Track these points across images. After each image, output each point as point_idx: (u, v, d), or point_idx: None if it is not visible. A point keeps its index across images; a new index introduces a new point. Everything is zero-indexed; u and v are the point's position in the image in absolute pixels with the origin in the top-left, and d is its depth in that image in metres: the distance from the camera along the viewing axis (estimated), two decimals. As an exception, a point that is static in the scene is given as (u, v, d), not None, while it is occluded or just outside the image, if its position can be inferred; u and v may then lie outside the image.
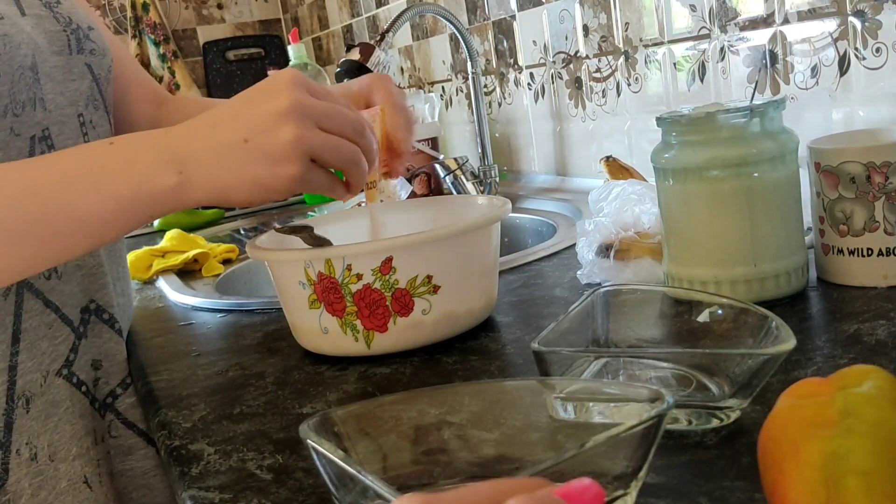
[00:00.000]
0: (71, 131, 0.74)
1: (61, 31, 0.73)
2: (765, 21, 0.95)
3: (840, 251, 0.69)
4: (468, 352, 0.70)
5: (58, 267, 0.73)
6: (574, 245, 0.87)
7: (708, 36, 1.03)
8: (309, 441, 0.40)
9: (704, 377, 0.50)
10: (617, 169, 0.98)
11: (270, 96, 0.56)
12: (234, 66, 2.70)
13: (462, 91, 1.72)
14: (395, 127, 0.73)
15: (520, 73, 1.49)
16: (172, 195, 0.56)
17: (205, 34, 2.72)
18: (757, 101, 0.67)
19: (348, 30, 2.27)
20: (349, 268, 0.67)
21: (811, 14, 0.89)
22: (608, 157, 1.00)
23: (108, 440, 0.79)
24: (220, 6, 2.75)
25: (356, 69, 1.23)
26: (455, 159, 1.38)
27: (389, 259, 0.67)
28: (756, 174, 0.65)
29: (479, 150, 1.44)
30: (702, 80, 1.06)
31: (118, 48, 0.91)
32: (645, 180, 0.94)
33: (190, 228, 1.49)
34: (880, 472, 0.33)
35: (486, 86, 1.62)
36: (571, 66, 1.33)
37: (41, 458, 0.71)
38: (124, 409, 0.80)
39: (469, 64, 1.41)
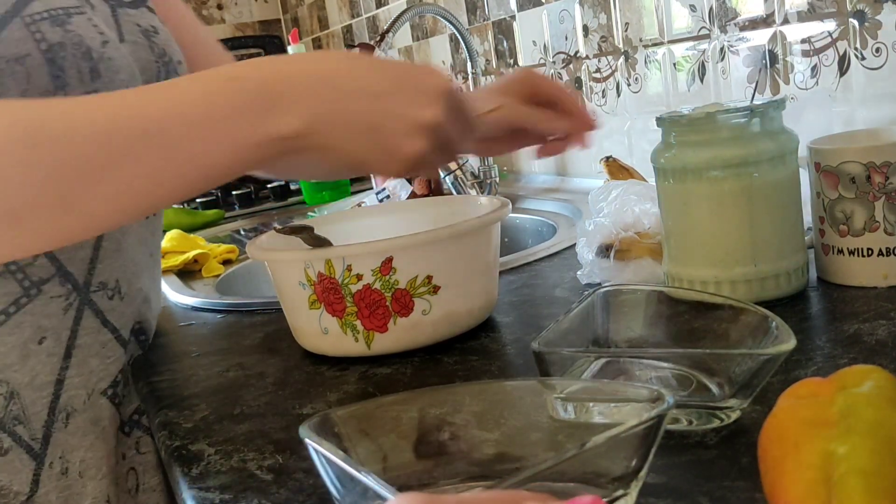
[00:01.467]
0: None
1: (154, 62, 0.71)
2: (765, 21, 0.95)
3: (840, 251, 0.69)
4: (468, 352, 0.70)
5: (121, 288, 0.73)
6: (574, 245, 0.87)
7: (708, 36, 1.03)
8: (309, 441, 0.40)
9: (705, 377, 0.50)
10: (617, 169, 0.98)
11: (420, 101, 0.55)
12: (233, 66, 2.70)
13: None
14: (547, 89, 0.74)
15: (520, 73, 1.49)
16: (295, 143, 0.54)
17: (205, 35, 2.72)
18: (757, 101, 0.67)
19: (348, 30, 2.27)
20: (349, 268, 0.67)
21: (811, 14, 0.89)
22: (608, 158, 1.00)
23: (135, 457, 0.78)
24: (219, 7, 2.75)
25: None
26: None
27: (389, 259, 0.67)
28: (756, 174, 0.65)
29: (479, 151, 1.44)
30: (702, 81, 1.07)
31: (199, 30, 0.89)
32: (645, 180, 0.94)
33: (190, 229, 1.49)
34: (880, 471, 0.33)
35: (486, 86, 1.62)
36: (571, 66, 1.33)
37: (72, 474, 0.71)
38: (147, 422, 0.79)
39: (469, 64, 1.41)
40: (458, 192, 1.37)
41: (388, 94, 0.55)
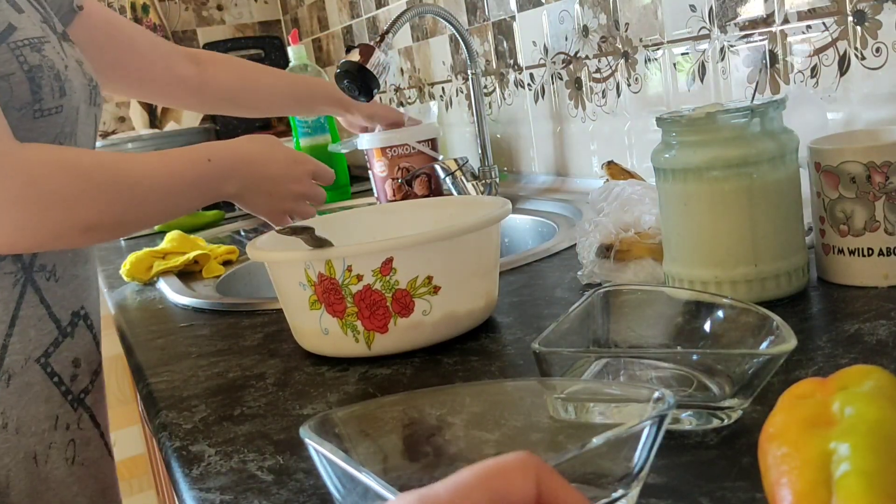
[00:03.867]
0: None
1: (87, 85, 0.85)
2: (765, 21, 0.95)
3: (840, 251, 0.69)
4: (469, 352, 0.70)
5: (56, 271, 0.85)
6: (574, 245, 0.87)
7: (708, 36, 1.03)
8: (309, 442, 0.40)
9: (705, 377, 0.50)
10: (619, 172, 0.98)
11: (296, 180, 0.93)
12: (234, 67, 2.70)
13: (462, 92, 1.72)
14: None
15: (520, 73, 1.49)
16: (232, 199, 0.88)
17: (205, 35, 2.72)
18: (757, 101, 0.67)
19: (348, 31, 2.27)
20: (349, 269, 0.67)
21: (811, 14, 0.89)
22: (609, 162, 1.00)
23: (75, 430, 0.88)
24: (219, 8, 2.75)
25: (356, 70, 1.23)
26: (455, 160, 1.38)
27: (390, 260, 0.67)
28: (756, 174, 0.65)
29: (479, 151, 1.44)
30: (702, 81, 1.06)
31: (134, 35, 1.08)
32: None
33: (190, 230, 1.49)
34: (881, 471, 0.33)
35: (485, 87, 1.62)
36: (571, 66, 1.33)
37: (10, 429, 0.81)
38: (92, 404, 0.90)
39: (469, 65, 1.41)
40: (459, 193, 1.37)
41: (280, 176, 0.91)
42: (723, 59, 1.02)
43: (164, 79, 1.11)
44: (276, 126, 2.50)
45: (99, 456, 0.91)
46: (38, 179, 0.73)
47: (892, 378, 0.38)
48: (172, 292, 1.07)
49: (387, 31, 1.27)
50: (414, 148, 1.38)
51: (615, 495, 0.39)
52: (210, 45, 2.68)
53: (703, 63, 1.06)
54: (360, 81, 1.23)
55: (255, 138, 0.92)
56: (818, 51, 0.89)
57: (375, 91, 1.25)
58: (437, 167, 1.38)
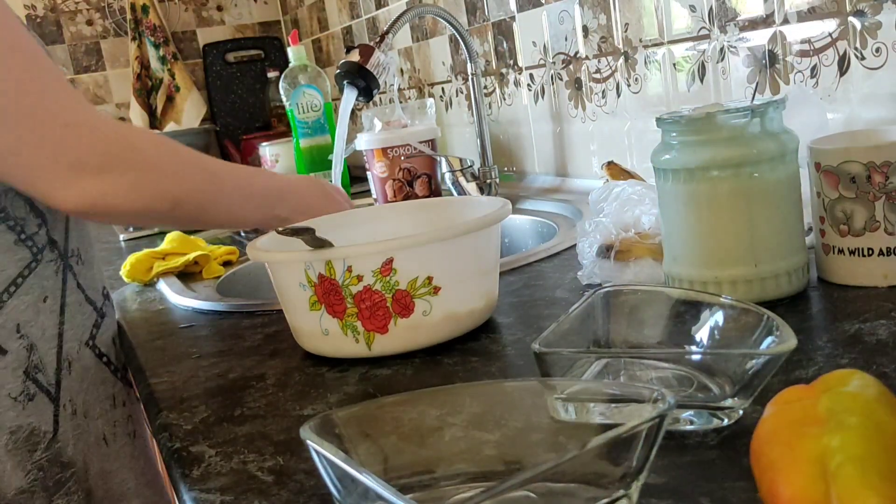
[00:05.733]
0: None
1: None
2: (764, 21, 0.95)
3: (840, 251, 0.69)
4: (469, 353, 0.70)
5: (82, 255, 0.89)
6: (574, 246, 0.87)
7: (708, 36, 1.03)
8: (310, 443, 0.40)
9: (705, 377, 0.50)
10: (619, 173, 0.98)
11: (331, 207, 0.92)
12: (233, 67, 2.70)
13: (462, 92, 1.72)
14: None
15: (519, 74, 1.50)
16: (278, 220, 0.89)
17: (204, 36, 2.72)
18: (757, 102, 0.67)
19: (348, 31, 2.27)
20: (349, 269, 0.67)
21: (811, 14, 0.89)
22: (609, 162, 1.00)
23: (129, 405, 0.93)
24: (219, 8, 2.75)
25: (356, 71, 1.23)
26: (459, 160, 1.38)
27: (390, 260, 0.67)
28: (756, 174, 0.65)
29: (479, 152, 1.44)
30: (701, 81, 1.07)
31: None
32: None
33: (190, 231, 1.49)
34: (874, 456, 0.34)
35: (485, 87, 1.62)
36: (571, 66, 1.33)
37: (79, 415, 0.85)
38: (131, 378, 0.93)
39: (469, 65, 1.41)
40: (459, 193, 1.37)
41: (320, 208, 0.90)
42: (722, 60, 1.02)
43: None
44: (277, 126, 2.50)
45: (145, 428, 0.96)
46: (137, 146, 0.74)
47: (874, 379, 0.39)
48: (172, 293, 1.07)
49: (386, 32, 1.27)
50: (415, 148, 1.38)
51: (615, 495, 0.39)
52: (210, 46, 2.68)
53: (702, 63, 1.06)
54: (360, 82, 1.23)
55: (301, 177, 1.03)
56: (818, 51, 0.89)
57: (375, 91, 1.26)
58: (442, 161, 1.38)
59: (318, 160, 1.79)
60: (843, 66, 0.87)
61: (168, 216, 0.79)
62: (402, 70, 1.98)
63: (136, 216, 0.77)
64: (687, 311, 0.57)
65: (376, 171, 1.41)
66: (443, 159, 1.38)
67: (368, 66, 1.23)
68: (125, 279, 1.20)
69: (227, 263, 1.24)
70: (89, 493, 0.85)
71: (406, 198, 1.39)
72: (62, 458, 0.82)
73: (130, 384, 0.93)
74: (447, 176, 1.38)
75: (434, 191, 1.42)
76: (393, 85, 1.90)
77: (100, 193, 0.72)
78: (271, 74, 2.45)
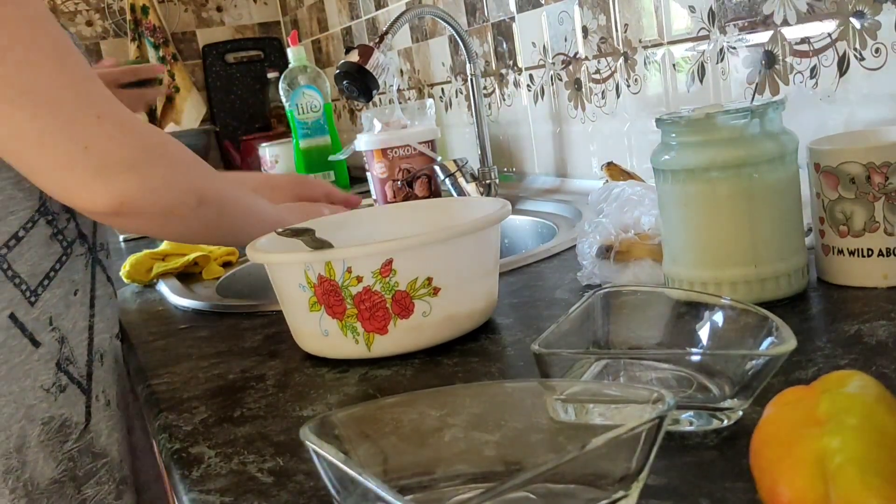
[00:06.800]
0: None
1: None
2: (764, 22, 0.95)
3: (840, 252, 0.69)
4: (469, 354, 0.70)
5: (107, 247, 0.90)
6: (574, 247, 0.87)
7: (707, 37, 1.04)
8: (310, 444, 0.40)
9: (705, 378, 0.50)
10: (618, 173, 0.98)
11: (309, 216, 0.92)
12: (233, 68, 2.70)
13: (461, 93, 1.72)
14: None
15: (519, 74, 1.50)
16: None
17: (204, 37, 2.72)
18: (756, 102, 0.67)
19: (347, 32, 2.27)
20: (349, 270, 0.67)
21: (811, 14, 0.89)
22: (609, 163, 1.00)
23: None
24: (219, 9, 2.75)
25: (355, 71, 1.23)
26: (455, 161, 1.38)
27: (390, 261, 0.67)
28: (756, 175, 0.65)
29: (479, 152, 1.44)
30: (701, 82, 1.07)
31: None
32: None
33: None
34: (874, 457, 0.34)
35: (485, 87, 1.62)
36: (571, 67, 1.33)
37: (112, 406, 0.86)
38: None
39: (468, 66, 1.41)
40: (458, 194, 1.37)
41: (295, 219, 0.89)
42: (722, 60, 1.02)
43: None
44: (277, 127, 2.50)
45: None
46: (162, 144, 0.75)
47: (873, 379, 0.39)
48: (172, 294, 1.07)
49: (386, 32, 1.27)
50: (415, 149, 1.38)
51: (615, 496, 0.39)
52: (209, 47, 2.68)
53: (702, 64, 1.06)
54: (360, 82, 1.23)
55: (289, 206, 1.00)
56: (817, 51, 0.89)
57: (375, 92, 1.26)
58: (437, 168, 1.38)
59: (317, 161, 1.79)
60: (842, 66, 0.87)
61: (191, 215, 0.78)
62: (401, 71, 1.98)
63: (163, 215, 0.76)
64: (687, 312, 0.57)
65: (376, 171, 1.41)
66: (437, 167, 1.38)
67: (368, 67, 1.23)
68: (125, 280, 1.20)
69: (226, 264, 1.24)
70: (119, 483, 0.87)
71: (406, 198, 1.39)
72: (94, 448, 0.83)
73: None
74: (446, 181, 1.38)
75: (434, 192, 1.42)
76: (392, 86, 1.90)
77: (131, 190, 0.71)
78: (271, 75, 2.45)
